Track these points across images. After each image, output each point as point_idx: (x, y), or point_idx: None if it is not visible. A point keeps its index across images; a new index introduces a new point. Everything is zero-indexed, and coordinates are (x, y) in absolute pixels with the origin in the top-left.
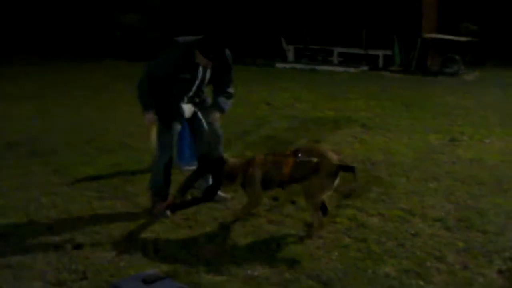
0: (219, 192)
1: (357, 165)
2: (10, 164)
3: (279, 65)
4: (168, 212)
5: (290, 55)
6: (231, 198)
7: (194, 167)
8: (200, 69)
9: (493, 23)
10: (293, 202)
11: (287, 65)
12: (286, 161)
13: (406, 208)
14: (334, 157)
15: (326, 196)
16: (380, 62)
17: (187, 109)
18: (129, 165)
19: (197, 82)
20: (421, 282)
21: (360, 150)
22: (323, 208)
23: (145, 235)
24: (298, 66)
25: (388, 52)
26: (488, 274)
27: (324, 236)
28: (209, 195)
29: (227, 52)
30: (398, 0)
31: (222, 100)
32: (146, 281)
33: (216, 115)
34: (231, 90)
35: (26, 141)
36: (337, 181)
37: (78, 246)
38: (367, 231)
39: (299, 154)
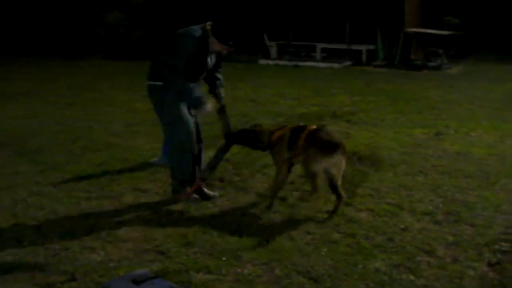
0: (207, 191)
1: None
2: None
3: (262, 61)
4: (198, 196)
5: (273, 52)
6: (219, 195)
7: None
8: (211, 56)
9: (476, 16)
10: (282, 199)
11: (270, 62)
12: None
13: (394, 203)
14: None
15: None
16: (364, 57)
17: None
18: (115, 164)
19: (205, 69)
20: (412, 277)
21: (345, 145)
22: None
23: (133, 234)
24: (281, 62)
25: (371, 47)
26: (478, 267)
27: (313, 232)
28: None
29: None
30: None
31: (218, 81)
32: (136, 281)
33: (222, 94)
34: (221, 76)
35: (13, 141)
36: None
37: (66, 247)
38: (356, 226)
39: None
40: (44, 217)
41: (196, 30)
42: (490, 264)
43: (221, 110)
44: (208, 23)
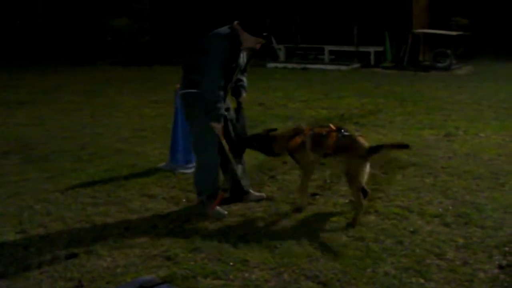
0: (254, 192)
1: None
2: (4, 171)
3: (271, 64)
4: (225, 212)
5: (281, 55)
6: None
7: (188, 170)
8: (241, 55)
9: (485, 16)
10: (289, 203)
11: (279, 65)
12: (331, 134)
13: (403, 205)
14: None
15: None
16: (372, 58)
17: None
18: (123, 170)
19: (237, 70)
20: (421, 280)
21: None
22: (363, 192)
23: (140, 240)
24: (289, 65)
25: (380, 49)
26: (488, 270)
27: (321, 236)
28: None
29: None
30: None
31: (244, 80)
32: (143, 287)
33: (244, 95)
34: (247, 69)
35: (20, 148)
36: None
37: (73, 254)
38: (364, 229)
39: (342, 130)
40: (51, 223)
41: (225, 32)
42: (500, 267)
43: (238, 108)
44: (236, 22)
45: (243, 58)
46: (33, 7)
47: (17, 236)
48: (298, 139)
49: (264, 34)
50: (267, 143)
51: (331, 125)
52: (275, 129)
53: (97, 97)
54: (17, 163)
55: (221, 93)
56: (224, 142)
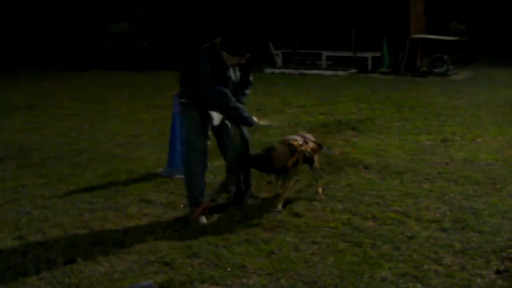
0: (251, 197)
1: (349, 168)
2: (1, 177)
3: (268, 70)
4: (204, 220)
5: (279, 60)
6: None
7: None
8: (230, 71)
9: (482, 22)
10: (284, 206)
11: (276, 70)
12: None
13: (401, 211)
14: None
15: None
16: (369, 64)
17: (216, 116)
18: (120, 175)
19: (230, 85)
20: (419, 285)
21: (351, 153)
22: None
23: (138, 246)
24: (287, 70)
25: (377, 54)
26: (486, 275)
27: (319, 241)
28: (239, 199)
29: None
30: (386, 1)
31: (244, 95)
32: None
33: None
34: (252, 78)
35: (17, 154)
36: None
37: (70, 259)
38: (362, 235)
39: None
40: (49, 229)
41: (205, 49)
42: (498, 272)
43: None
44: (217, 39)
45: (234, 73)
46: (31, 12)
47: (15, 242)
48: (294, 159)
49: (242, 51)
50: (268, 162)
51: (314, 142)
52: (273, 147)
53: (94, 102)
54: (13, 169)
55: (231, 98)
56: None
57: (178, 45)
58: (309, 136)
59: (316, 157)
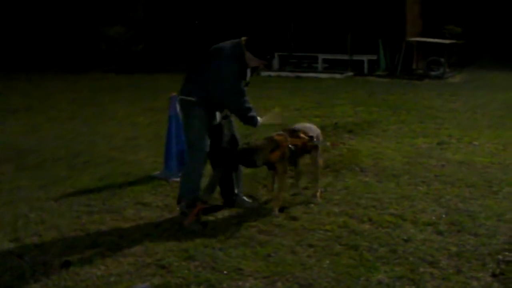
0: (245, 198)
1: (346, 171)
2: None
3: (264, 73)
4: (200, 226)
5: (275, 63)
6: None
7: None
8: (248, 72)
9: (478, 25)
10: (281, 211)
11: (272, 73)
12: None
13: (397, 213)
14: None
15: None
16: (366, 67)
17: (217, 115)
18: (117, 178)
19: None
20: None
21: (348, 156)
22: None
23: (134, 248)
24: (283, 73)
25: (373, 57)
26: (482, 278)
27: (315, 244)
28: (231, 201)
29: None
30: (382, 4)
31: None
32: None
33: None
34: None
35: (14, 156)
36: None
37: (67, 262)
38: (358, 238)
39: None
40: (45, 232)
41: (231, 48)
42: (494, 275)
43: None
44: (243, 38)
45: (249, 74)
46: (28, 15)
47: (11, 245)
48: (277, 153)
49: (268, 57)
50: (250, 157)
51: (302, 134)
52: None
53: (91, 105)
54: (10, 171)
55: (248, 103)
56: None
57: (174, 48)
58: (308, 127)
59: (316, 153)
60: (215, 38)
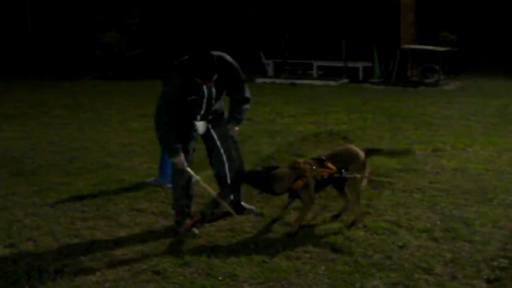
0: (244, 204)
1: None
2: None
3: (259, 80)
4: (196, 231)
5: (270, 70)
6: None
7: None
8: (204, 87)
9: (472, 32)
10: (276, 220)
11: (267, 80)
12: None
13: (392, 220)
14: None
15: None
16: (360, 74)
17: (201, 125)
18: (111, 184)
19: (205, 100)
20: None
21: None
22: None
23: (129, 254)
24: (278, 80)
25: (368, 64)
26: (476, 284)
27: (310, 250)
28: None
29: (228, 58)
30: (376, 11)
31: (237, 110)
32: None
33: (234, 128)
34: (246, 95)
35: (8, 162)
36: None
37: (61, 268)
38: (353, 244)
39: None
40: (40, 237)
41: (180, 64)
42: (488, 281)
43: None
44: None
45: (208, 88)
46: (22, 21)
47: (6, 250)
48: (300, 182)
49: (201, 75)
50: (267, 182)
51: (330, 165)
52: (276, 167)
53: (85, 111)
54: (5, 177)
55: (166, 128)
56: (189, 170)
57: (170, 54)
58: (349, 151)
59: (351, 183)
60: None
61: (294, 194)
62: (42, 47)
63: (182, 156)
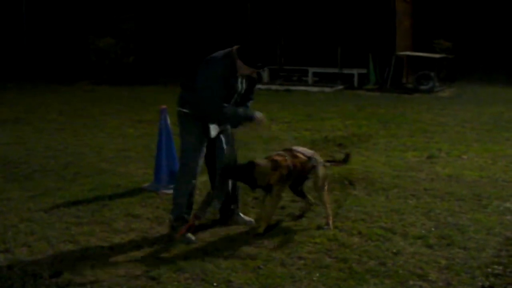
0: (242, 215)
1: (335, 185)
2: None
3: None
4: (193, 238)
5: (265, 76)
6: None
7: (172, 191)
8: (239, 82)
9: (468, 39)
10: (268, 231)
11: (262, 86)
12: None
13: (387, 227)
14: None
15: None
16: (355, 80)
17: (213, 129)
18: (106, 189)
19: (235, 96)
20: None
21: (338, 170)
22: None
23: (124, 260)
24: (273, 87)
25: (363, 71)
26: None
27: (305, 257)
28: (226, 216)
29: None
30: (372, 18)
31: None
32: None
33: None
34: (253, 96)
35: (2, 167)
36: None
37: (56, 273)
38: (348, 250)
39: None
40: (35, 243)
41: (221, 55)
42: None
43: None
44: (235, 47)
45: (241, 84)
46: (17, 26)
47: (1, 256)
48: (277, 173)
49: (259, 65)
50: (251, 176)
51: (301, 154)
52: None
53: (80, 117)
54: (0, 182)
55: (225, 105)
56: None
57: (165, 60)
58: (302, 149)
59: (317, 177)
60: (209, 49)
61: (267, 188)
62: (37, 52)
63: (257, 114)
